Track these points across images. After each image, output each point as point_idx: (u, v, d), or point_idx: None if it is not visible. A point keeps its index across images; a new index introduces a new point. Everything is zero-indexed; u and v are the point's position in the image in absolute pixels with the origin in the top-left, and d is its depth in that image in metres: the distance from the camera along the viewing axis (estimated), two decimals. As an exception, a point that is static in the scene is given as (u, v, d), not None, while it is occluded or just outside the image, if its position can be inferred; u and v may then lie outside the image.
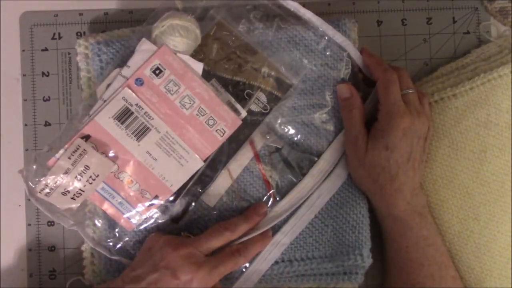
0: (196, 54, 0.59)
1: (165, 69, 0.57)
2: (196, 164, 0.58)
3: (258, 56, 0.60)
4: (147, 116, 0.57)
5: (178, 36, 0.56)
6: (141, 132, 0.57)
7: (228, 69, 0.60)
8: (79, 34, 0.65)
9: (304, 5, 0.60)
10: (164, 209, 0.59)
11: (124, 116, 0.57)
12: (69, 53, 0.65)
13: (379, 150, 0.56)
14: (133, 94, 0.57)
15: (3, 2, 0.65)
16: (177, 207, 0.60)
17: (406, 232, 0.58)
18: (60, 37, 0.65)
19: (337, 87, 0.60)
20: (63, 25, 0.65)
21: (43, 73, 0.65)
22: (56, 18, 0.65)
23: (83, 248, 0.62)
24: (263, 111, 0.60)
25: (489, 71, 0.61)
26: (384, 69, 0.58)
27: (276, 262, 0.61)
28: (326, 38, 0.60)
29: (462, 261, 0.61)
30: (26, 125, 0.64)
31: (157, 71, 0.57)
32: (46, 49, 0.65)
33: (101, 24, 0.65)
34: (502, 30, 0.66)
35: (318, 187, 0.60)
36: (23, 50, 0.65)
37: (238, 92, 0.60)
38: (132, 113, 0.57)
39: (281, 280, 0.61)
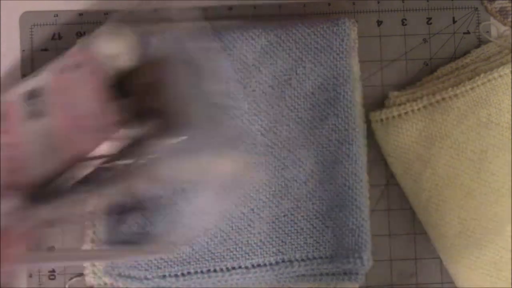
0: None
1: None
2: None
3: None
4: None
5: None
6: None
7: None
8: (79, 34, 0.65)
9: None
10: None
11: None
12: (69, 53, 0.65)
13: None
14: None
15: (3, 2, 0.65)
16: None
17: None
18: (60, 37, 0.65)
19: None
20: (63, 25, 0.65)
21: (43, 73, 0.65)
22: (56, 18, 0.65)
23: (83, 248, 0.62)
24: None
25: (489, 71, 0.61)
26: None
27: (276, 262, 0.60)
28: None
29: (462, 261, 0.61)
30: (26, 125, 0.64)
31: None
32: (46, 49, 0.65)
33: (101, 24, 0.65)
34: (502, 30, 0.65)
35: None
36: (23, 50, 0.65)
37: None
38: None
39: (281, 280, 0.61)
